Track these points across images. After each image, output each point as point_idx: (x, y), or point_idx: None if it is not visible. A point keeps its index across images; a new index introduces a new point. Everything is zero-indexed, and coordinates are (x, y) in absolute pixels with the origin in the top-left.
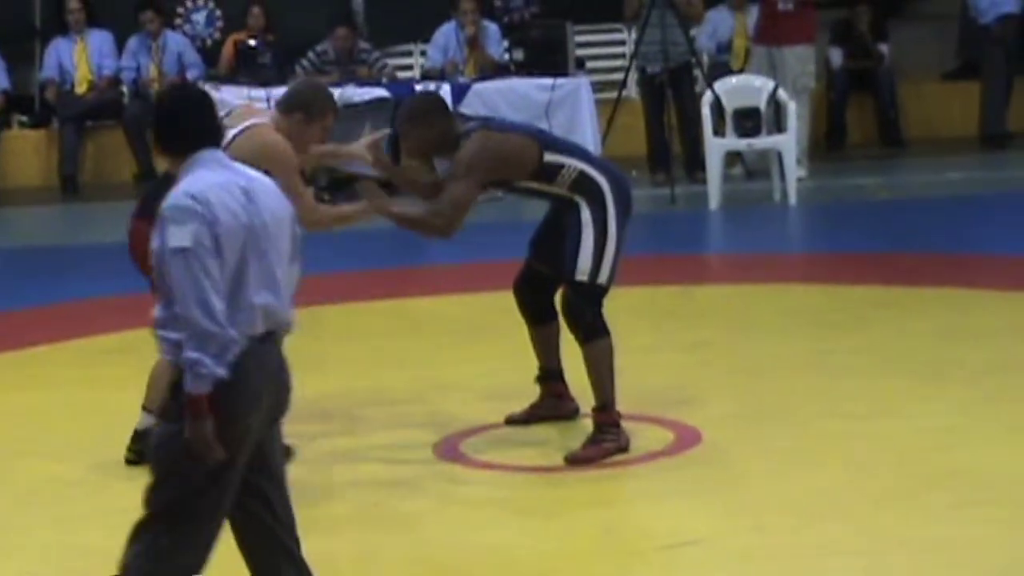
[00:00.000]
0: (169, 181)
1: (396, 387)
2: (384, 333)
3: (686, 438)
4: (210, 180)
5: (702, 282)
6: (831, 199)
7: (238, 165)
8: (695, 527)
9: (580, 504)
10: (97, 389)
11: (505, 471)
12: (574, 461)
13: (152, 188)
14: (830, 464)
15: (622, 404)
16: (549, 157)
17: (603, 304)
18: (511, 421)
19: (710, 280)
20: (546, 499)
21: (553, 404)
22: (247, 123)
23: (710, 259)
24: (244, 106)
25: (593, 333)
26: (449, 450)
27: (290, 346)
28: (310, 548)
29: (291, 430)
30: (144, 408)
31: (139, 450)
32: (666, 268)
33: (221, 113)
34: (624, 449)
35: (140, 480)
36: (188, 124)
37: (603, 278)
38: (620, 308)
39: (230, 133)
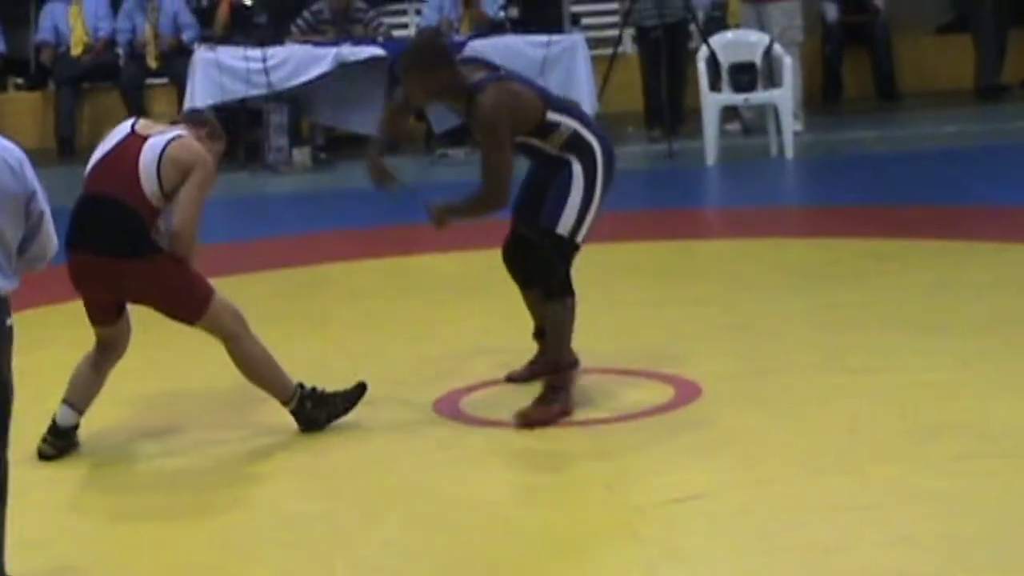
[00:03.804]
0: None
1: (394, 345)
2: (380, 292)
3: (686, 393)
4: None
5: (700, 237)
6: (828, 153)
7: None
8: (697, 482)
9: (580, 460)
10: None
11: (505, 428)
12: (519, 421)
13: None
14: (831, 418)
15: (622, 359)
16: (551, 115)
17: (572, 263)
18: (512, 379)
19: (708, 235)
20: (546, 455)
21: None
22: (174, 132)
23: (708, 214)
24: (148, 121)
25: (560, 290)
26: (449, 407)
27: (288, 306)
28: (309, 508)
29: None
30: (66, 402)
31: (60, 446)
32: (664, 224)
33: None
34: (568, 413)
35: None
36: None
37: (580, 237)
38: (619, 264)
39: (162, 138)
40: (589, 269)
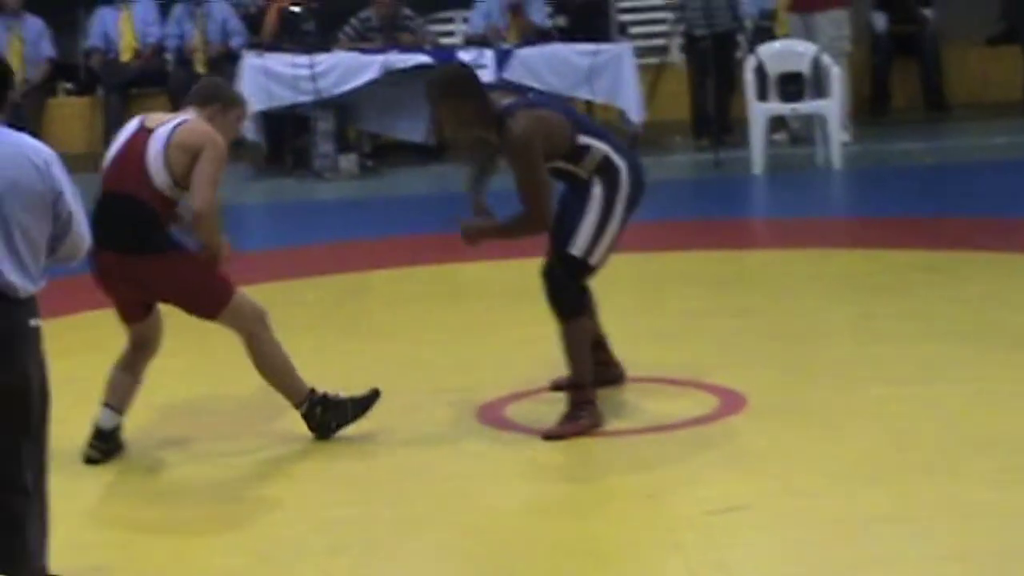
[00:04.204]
0: None
1: (438, 352)
2: (425, 299)
3: (730, 403)
4: None
5: (746, 247)
6: (875, 164)
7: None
8: (740, 493)
9: (624, 469)
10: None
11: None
12: (548, 437)
13: None
14: (876, 429)
15: (666, 369)
16: (582, 139)
17: (587, 285)
18: (557, 387)
19: (754, 245)
20: (590, 464)
21: (598, 371)
22: (178, 119)
23: (754, 224)
24: (156, 115)
25: (573, 311)
26: (492, 415)
27: (333, 312)
28: (351, 513)
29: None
30: (106, 405)
31: (105, 449)
32: (710, 233)
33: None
34: (598, 425)
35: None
36: None
37: (595, 259)
38: (665, 273)
39: (167, 127)
40: (634, 278)
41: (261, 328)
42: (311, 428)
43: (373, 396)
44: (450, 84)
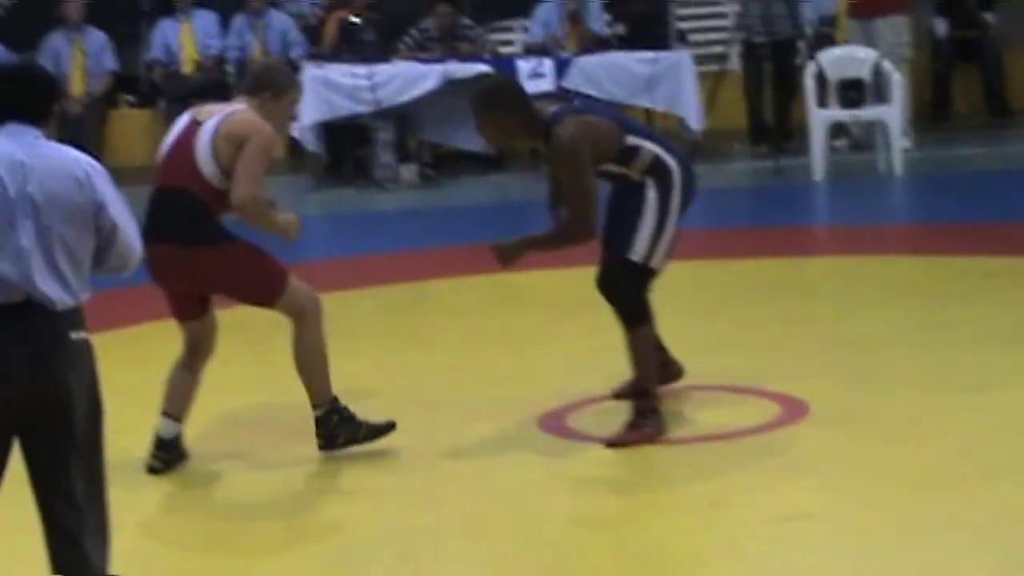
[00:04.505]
0: None
1: (500, 361)
2: (486, 308)
3: (793, 411)
4: None
5: (808, 254)
6: (936, 170)
7: (41, 142)
8: (804, 501)
9: (687, 478)
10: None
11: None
12: (612, 444)
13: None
14: (940, 437)
15: (729, 377)
16: (630, 140)
17: (649, 288)
18: (618, 395)
19: (816, 252)
20: (651, 473)
21: (658, 373)
22: (227, 111)
23: (815, 231)
24: (208, 107)
25: (638, 318)
26: (554, 423)
27: (394, 321)
28: (417, 523)
29: (395, 404)
30: (165, 414)
31: (167, 459)
32: (771, 240)
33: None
34: (662, 433)
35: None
36: (0, 97)
37: (656, 262)
38: (726, 281)
39: (216, 118)
40: (695, 286)
41: (314, 316)
42: (319, 435)
43: (387, 427)
44: (492, 96)
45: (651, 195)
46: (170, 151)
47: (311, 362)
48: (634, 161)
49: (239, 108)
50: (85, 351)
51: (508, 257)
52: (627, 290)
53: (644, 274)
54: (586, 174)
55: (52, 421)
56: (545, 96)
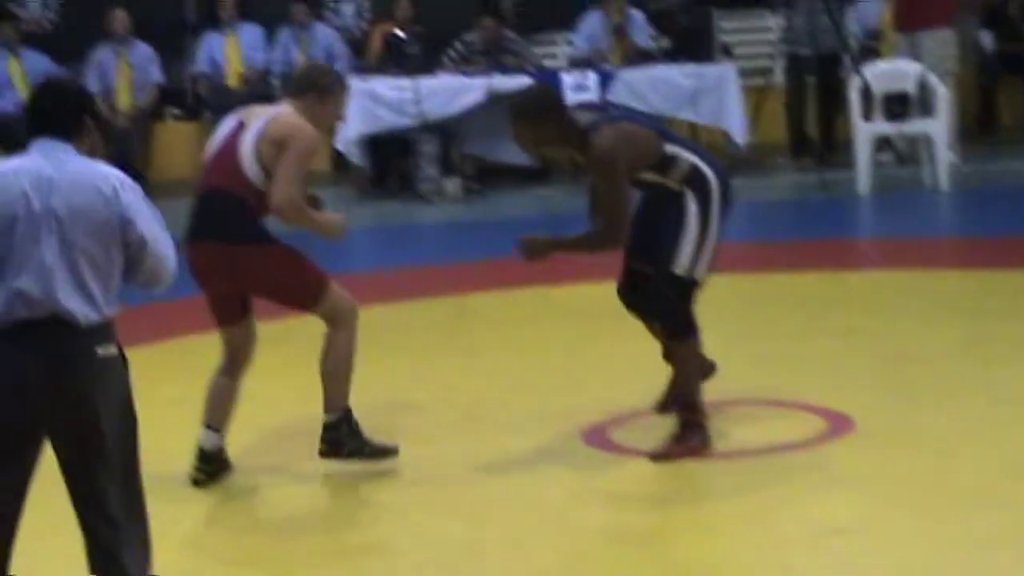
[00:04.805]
0: None
1: (543, 373)
2: (530, 321)
3: (838, 425)
4: (11, 164)
5: (853, 268)
6: (983, 184)
7: (70, 157)
8: (849, 515)
9: (729, 492)
10: (246, 377)
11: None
12: (657, 457)
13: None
14: (986, 451)
15: (773, 390)
16: (668, 148)
17: (694, 300)
18: (662, 408)
19: (861, 266)
20: (695, 486)
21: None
22: (272, 113)
23: (860, 244)
24: (254, 109)
25: (684, 330)
26: (597, 436)
27: (438, 335)
28: (457, 534)
29: (438, 417)
30: (206, 425)
31: (210, 471)
32: (817, 254)
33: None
34: (707, 447)
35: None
36: (32, 113)
37: (699, 274)
38: (771, 294)
39: (261, 120)
40: (740, 299)
41: (350, 322)
42: (324, 439)
43: (391, 451)
44: (528, 104)
45: (691, 207)
46: (216, 152)
47: (337, 366)
48: (672, 170)
49: (284, 110)
50: (114, 365)
51: (534, 251)
52: (673, 304)
53: (688, 287)
54: (621, 183)
55: (79, 435)
56: (583, 105)
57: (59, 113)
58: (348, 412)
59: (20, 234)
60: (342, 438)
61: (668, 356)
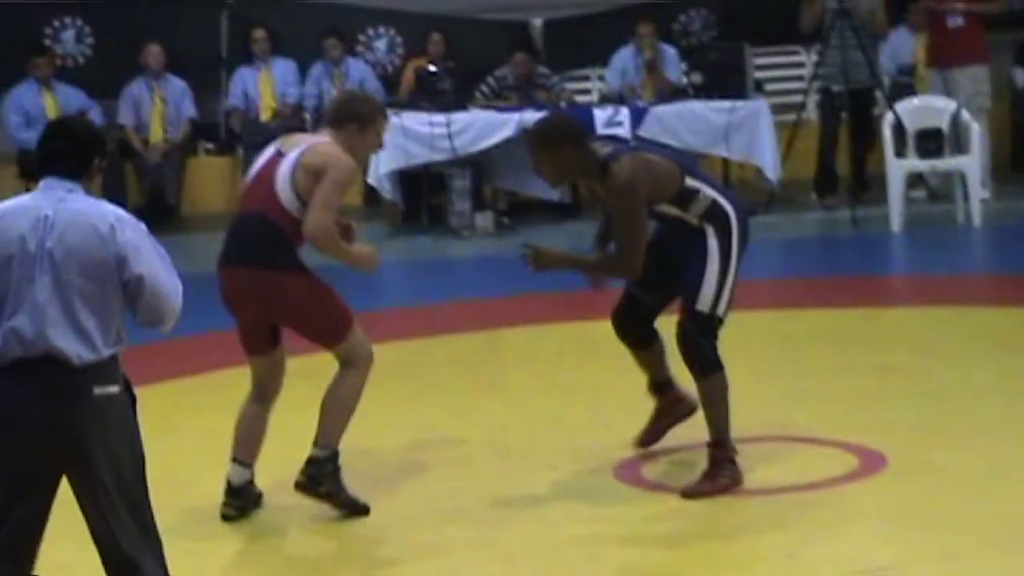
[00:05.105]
0: None
1: (574, 410)
2: (561, 356)
3: (871, 462)
4: (12, 203)
5: (886, 305)
6: (1016, 221)
7: (72, 196)
8: (881, 554)
9: (761, 529)
10: (275, 412)
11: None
12: (688, 495)
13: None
14: (1021, 490)
15: (806, 427)
16: (689, 182)
17: (718, 337)
18: (641, 442)
19: (894, 303)
20: (727, 524)
21: (671, 411)
22: (311, 142)
23: (894, 281)
24: (293, 138)
25: (710, 367)
26: (629, 473)
27: (469, 370)
28: (487, 572)
29: (470, 453)
30: (235, 460)
31: (240, 505)
32: (849, 290)
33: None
34: (738, 483)
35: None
36: (42, 152)
37: (721, 310)
38: (804, 331)
39: (299, 149)
40: (773, 336)
41: (364, 367)
42: (306, 472)
43: (362, 509)
44: (547, 132)
45: (712, 243)
46: (253, 179)
47: (340, 407)
48: (692, 204)
49: (322, 140)
50: (112, 404)
51: (542, 262)
52: (697, 341)
53: (712, 323)
54: (639, 212)
55: (77, 473)
56: (602, 138)
57: (67, 153)
58: (336, 453)
59: (16, 273)
60: (323, 476)
61: (653, 389)
